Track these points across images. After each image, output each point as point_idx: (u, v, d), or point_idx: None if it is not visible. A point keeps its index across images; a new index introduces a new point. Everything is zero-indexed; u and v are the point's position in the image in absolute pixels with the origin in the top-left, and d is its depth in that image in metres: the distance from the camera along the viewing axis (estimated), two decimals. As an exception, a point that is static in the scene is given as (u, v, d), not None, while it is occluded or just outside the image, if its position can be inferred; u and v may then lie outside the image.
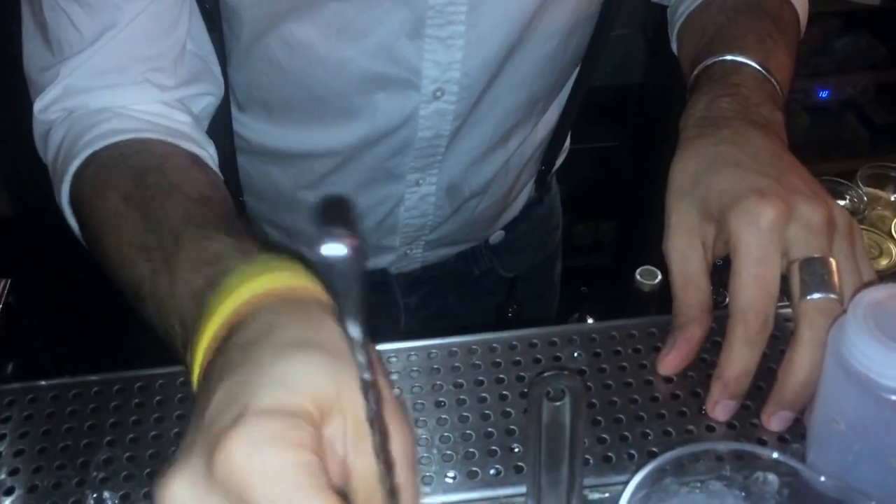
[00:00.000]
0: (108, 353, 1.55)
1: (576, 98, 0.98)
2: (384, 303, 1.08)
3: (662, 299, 0.97)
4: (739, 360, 0.60)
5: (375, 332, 1.11)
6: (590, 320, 1.00)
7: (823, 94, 1.88)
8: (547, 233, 1.19)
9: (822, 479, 0.48)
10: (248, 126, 0.87)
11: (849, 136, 2.05)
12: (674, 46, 0.88)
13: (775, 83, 0.72)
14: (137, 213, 0.60)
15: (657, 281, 0.94)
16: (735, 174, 0.63)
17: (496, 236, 1.09)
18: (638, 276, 0.95)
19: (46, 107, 0.70)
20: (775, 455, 0.51)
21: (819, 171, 0.73)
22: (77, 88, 0.68)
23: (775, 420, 0.61)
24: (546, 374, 0.52)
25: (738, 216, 0.60)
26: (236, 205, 0.96)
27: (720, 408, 0.62)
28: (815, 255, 0.59)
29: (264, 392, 0.38)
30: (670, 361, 0.65)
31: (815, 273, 0.59)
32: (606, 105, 1.93)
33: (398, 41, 0.75)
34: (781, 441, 0.62)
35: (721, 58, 0.73)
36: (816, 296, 0.58)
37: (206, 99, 0.77)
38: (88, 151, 0.67)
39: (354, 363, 0.35)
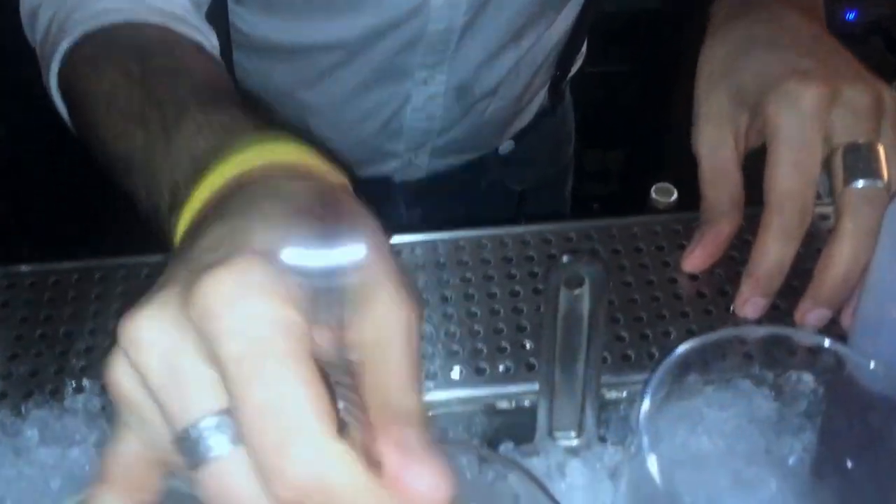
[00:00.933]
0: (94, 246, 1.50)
1: (592, 2, 0.92)
2: (386, 216, 1.03)
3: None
4: (774, 253, 0.55)
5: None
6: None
7: (850, 16, 1.81)
8: (559, 145, 1.14)
9: (872, 365, 0.43)
10: (246, 19, 0.81)
11: (875, 62, 1.97)
12: None
13: None
14: (139, 90, 0.54)
15: (673, 199, 0.90)
16: (772, 56, 0.58)
17: (506, 146, 1.04)
18: (653, 194, 0.90)
19: None
20: (817, 339, 0.46)
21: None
22: None
23: (811, 318, 0.56)
24: (565, 260, 0.48)
25: (777, 99, 0.55)
26: None
27: (750, 305, 0.57)
28: (861, 141, 0.54)
29: (263, 235, 0.33)
30: (696, 258, 0.60)
31: (860, 159, 0.54)
32: (620, 30, 1.86)
33: None
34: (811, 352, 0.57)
35: None
36: (861, 183, 0.53)
37: None
38: (81, 29, 0.61)
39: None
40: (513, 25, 0.84)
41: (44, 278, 0.61)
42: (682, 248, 0.62)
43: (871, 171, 0.53)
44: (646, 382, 0.47)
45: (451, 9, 0.77)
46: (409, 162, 0.97)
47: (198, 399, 0.30)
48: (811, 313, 0.56)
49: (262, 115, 0.54)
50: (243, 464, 0.29)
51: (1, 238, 0.78)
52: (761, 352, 0.51)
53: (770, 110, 0.55)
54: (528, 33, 0.87)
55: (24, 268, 0.62)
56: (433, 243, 0.63)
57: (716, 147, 0.59)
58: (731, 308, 0.58)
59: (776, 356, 0.51)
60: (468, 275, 0.61)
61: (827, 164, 0.55)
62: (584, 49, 1.03)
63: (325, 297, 0.34)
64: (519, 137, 1.04)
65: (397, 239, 0.64)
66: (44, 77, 0.64)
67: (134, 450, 0.32)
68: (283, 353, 0.29)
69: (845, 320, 0.56)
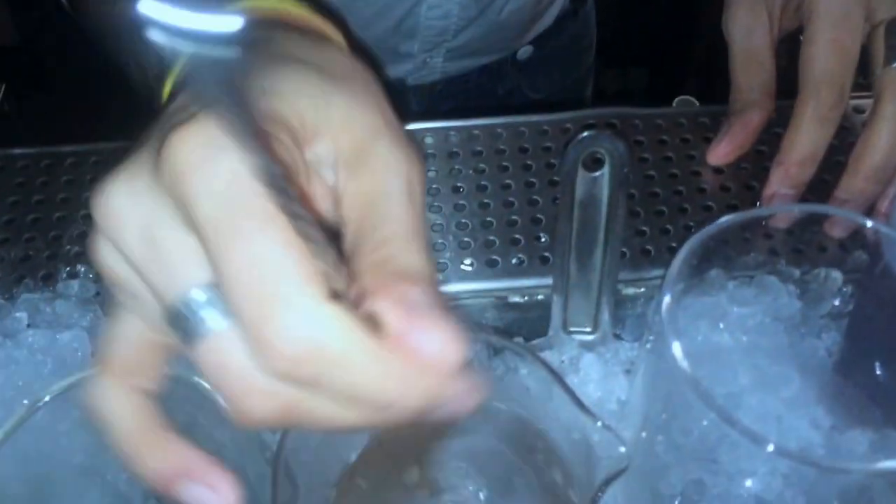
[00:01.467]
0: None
1: None
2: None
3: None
4: (807, 140, 0.51)
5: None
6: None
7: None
8: (579, 52, 1.09)
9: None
10: None
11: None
12: None
13: None
14: None
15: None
16: None
17: (524, 51, 1.00)
18: (675, 106, 0.87)
19: None
20: (856, 217, 0.43)
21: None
22: None
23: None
24: (583, 135, 0.44)
25: None
26: None
27: (778, 199, 0.54)
28: None
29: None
30: (723, 149, 0.57)
31: None
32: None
33: None
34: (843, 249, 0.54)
35: None
36: None
37: None
38: None
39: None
40: None
41: (37, 161, 0.59)
42: (708, 141, 0.58)
43: (917, 52, 0.49)
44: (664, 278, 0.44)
45: None
46: (424, 63, 0.93)
47: (182, 271, 0.27)
48: (843, 207, 0.53)
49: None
50: (238, 337, 0.26)
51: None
52: (788, 246, 0.48)
53: None
54: None
55: (16, 151, 0.59)
56: (445, 131, 0.60)
57: (749, 30, 0.55)
58: (758, 203, 0.55)
59: (805, 250, 0.49)
60: (481, 165, 0.58)
61: (867, 45, 0.51)
62: None
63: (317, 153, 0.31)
64: (538, 43, 1.00)
65: (407, 127, 0.60)
66: None
67: (131, 331, 0.30)
68: (259, 212, 0.26)
69: (883, 208, 0.52)
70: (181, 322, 0.27)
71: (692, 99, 0.87)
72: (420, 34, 0.88)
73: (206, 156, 0.26)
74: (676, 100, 0.88)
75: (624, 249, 0.53)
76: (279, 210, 0.26)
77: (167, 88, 0.38)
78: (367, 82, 0.32)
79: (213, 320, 0.27)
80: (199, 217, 0.26)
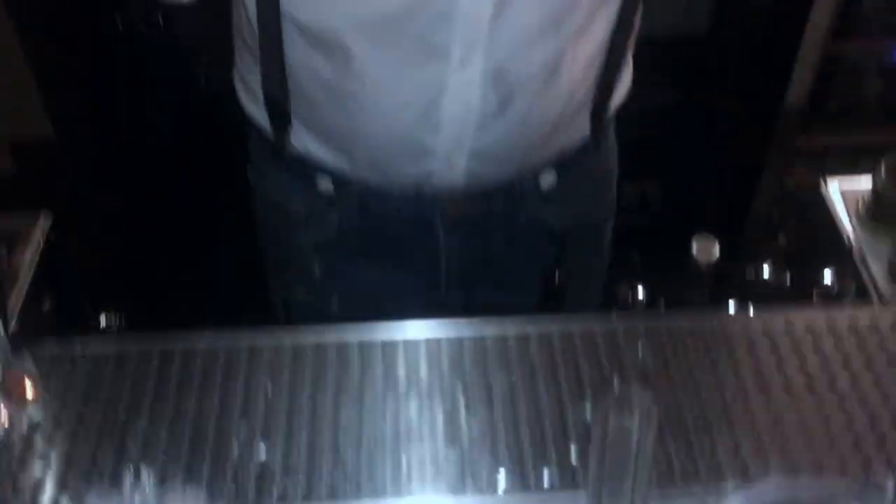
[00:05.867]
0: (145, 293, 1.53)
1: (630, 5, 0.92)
2: (425, 245, 1.04)
3: (719, 274, 0.93)
4: None
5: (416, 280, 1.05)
6: (640, 293, 0.97)
7: (898, 55, 1.79)
8: (600, 189, 1.13)
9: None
10: (294, 2, 0.84)
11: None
12: None
13: None
14: None
15: (715, 255, 0.91)
16: None
17: (548, 181, 1.04)
18: (695, 252, 0.92)
19: None
20: None
21: (891, 141, 0.67)
22: None
23: None
24: (615, 389, 0.49)
25: None
26: (281, 116, 0.93)
27: None
28: None
29: None
30: None
31: None
32: (660, 59, 1.85)
33: None
34: None
35: None
36: None
37: None
38: None
39: None
40: (547, 9, 0.85)
41: (104, 363, 0.64)
42: (731, 351, 0.62)
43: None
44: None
45: None
46: (448, 161, 0.97)
47: None
48: None
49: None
50: None
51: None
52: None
53: None
54: (564, 23, 0.87)
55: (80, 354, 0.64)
56: (481, 341, 0.64)
57: None
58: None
59: None
60: (514, 378, 0.62)
61: None
62: (629, 81, 1.02)
63: None
64: (561, 170, 1.03)
65: (444, 332, 0.65)
66: None
67: None
68: None
69: None
70: None
71: (711, 240, 0.92)
72: (443, 127, 0.92)
73: None
74: (695, 241, 0.93)
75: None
76: None
77: None
78: None
79: None
80: None
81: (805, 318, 0.66)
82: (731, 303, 0.78)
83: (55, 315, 0.80)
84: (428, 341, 0.66)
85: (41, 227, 0.80)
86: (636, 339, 0.64)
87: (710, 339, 0.65)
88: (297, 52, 0.88)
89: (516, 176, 1.01)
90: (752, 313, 0.67)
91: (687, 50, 1.86)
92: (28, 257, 0.76)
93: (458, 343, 0.64)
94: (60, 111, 1.57)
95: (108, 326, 0.81)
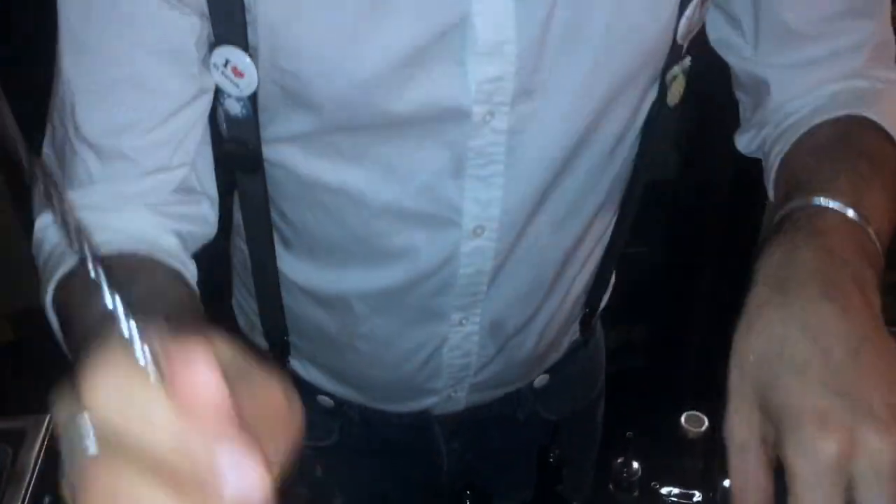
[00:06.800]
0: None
1: (617, 239, 0.98)
2: (426, 449, 1.07)
3: (709, 446, 0.94)
4: None
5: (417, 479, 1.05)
6: (635, 465, 0.98)
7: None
8: (591, 377, 1.18)
9: None
10: (292, 266, 0.89)
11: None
12: (771, 195, 0.81)
13: (869, 231, 0.64)
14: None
15: (704, 428, 0.92)
16: (797, 385, 0.56)
17: (541, 380, 1.08)
18: (683, 423, 0.93)
19: (44, 227, 0.73)
20: None
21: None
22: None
23: None
24: None
25: (795, 447, 0.53)
26: (281, 345, 0.98)
27: None
28: None
29: None
30: None
31: None
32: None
33: (441, 181, 0.76)
34: None
35: (806, 202, 0.65)
36: None
37: (196, 231, 0.77)
38: (73, 261, 0.67)
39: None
40: (541, 269, 0.89)
41: None
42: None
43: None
44: None
45: (479, 255, 0.83)
46: (448, 397, 1.00)
47: None
48: None
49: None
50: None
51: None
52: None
53: (789, 456, 0.53)
54: (557, 274, 0.92)
55: None
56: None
57: (744, 449, 0.57)
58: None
59: None
60: None
61: None
62: (611, 282, 1.08)
63: None
64: (553, 371, 1.07)
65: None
66: (41, 295, 0.71)
67: None
68: None
69: None
70: None
71: (699, 415, 0.94)
72: (444, 372, 0.96)
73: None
74: (684, 416, 0.95)
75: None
76: None
77: None
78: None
79: None
80: None
81: None
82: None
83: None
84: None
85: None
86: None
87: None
88: (297, 302, 0.94)
89: (513, 389, 1.07)
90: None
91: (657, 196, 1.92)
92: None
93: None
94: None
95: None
